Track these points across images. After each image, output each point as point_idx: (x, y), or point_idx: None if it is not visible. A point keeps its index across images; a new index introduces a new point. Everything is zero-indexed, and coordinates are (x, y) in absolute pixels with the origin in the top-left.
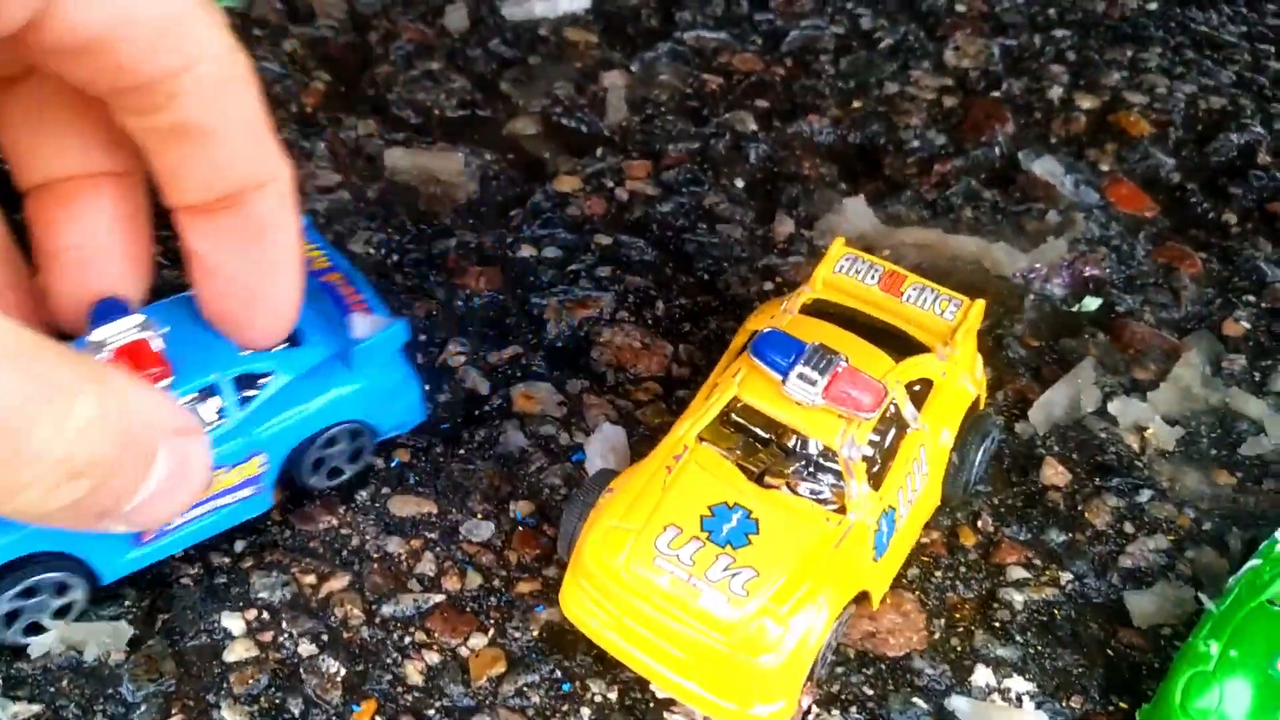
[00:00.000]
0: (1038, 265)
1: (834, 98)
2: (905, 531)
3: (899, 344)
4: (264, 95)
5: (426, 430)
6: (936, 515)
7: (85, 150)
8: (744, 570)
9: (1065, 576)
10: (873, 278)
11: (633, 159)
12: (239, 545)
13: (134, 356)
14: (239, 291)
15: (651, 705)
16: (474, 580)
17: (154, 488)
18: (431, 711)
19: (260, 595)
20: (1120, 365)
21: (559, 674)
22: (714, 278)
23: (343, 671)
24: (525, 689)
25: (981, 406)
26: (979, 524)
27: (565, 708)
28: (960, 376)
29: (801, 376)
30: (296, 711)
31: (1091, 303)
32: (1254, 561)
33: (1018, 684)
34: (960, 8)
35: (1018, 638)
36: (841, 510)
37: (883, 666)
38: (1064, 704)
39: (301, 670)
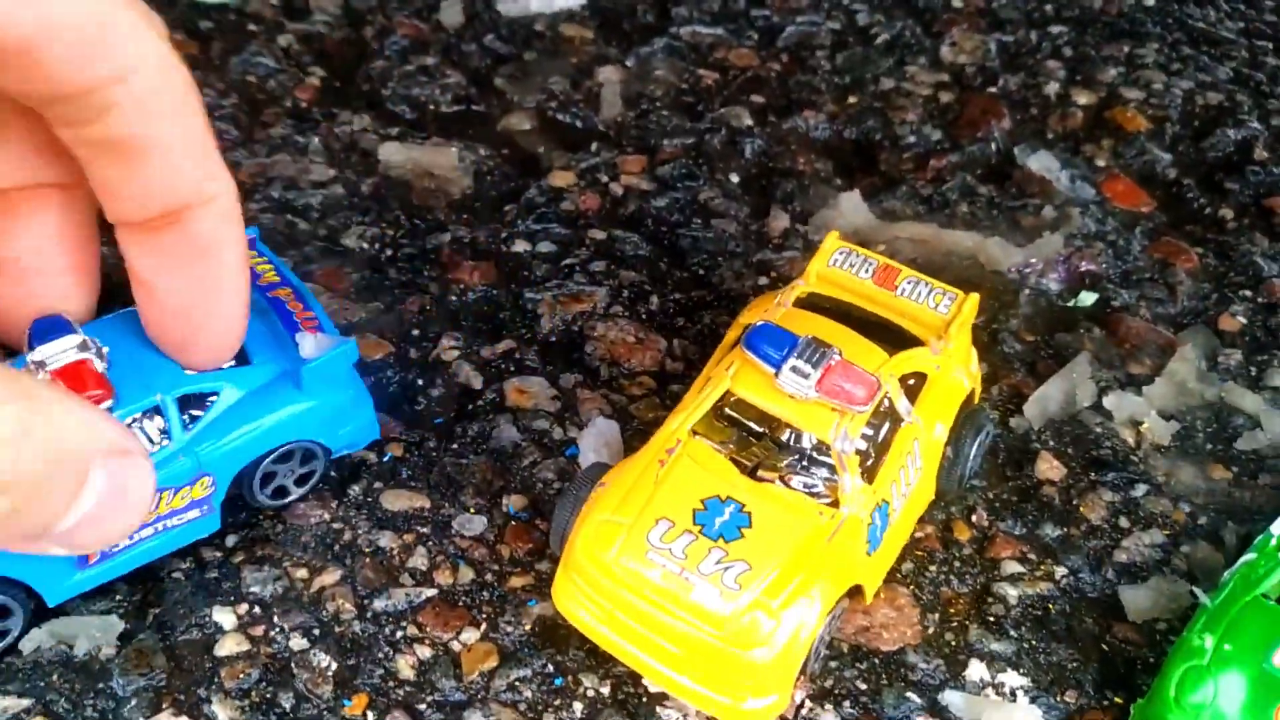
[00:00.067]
0: (1033, 260)
1: (830, 93)
2: (899, 526)
3: (893, 337)
4: (259, 90)
5: (419, 425)
6: (931, 509)
7: (27, 161)
8: (736, 564)
9: (1060, 571)
10: (867, 271)
11: (628, 154)
12: (230, 539)
13: (74, 377)
14: (181, 311)
15: (644, 700)
16: (466, 575)
17: (88, 509)
18: (423, 706)
19: (252, 589)
20: (1116, 360)
21: (551, 668)
22: (708, 273)
23: (334, 666)
24: (517, 683)
25: (976, 400)
26: (973, 518)
27: (557, 702)
28: (954, 370)
29: (794, 370)
30: (287, 706)
31: (1087, 298)
32: (1249, 556)
33: (1012, 679)
34: (957, 3)
35: (1012, 632)
36: (835, 504)
37: (876, 661)
38: (1058, 699)
39: (293, 664)
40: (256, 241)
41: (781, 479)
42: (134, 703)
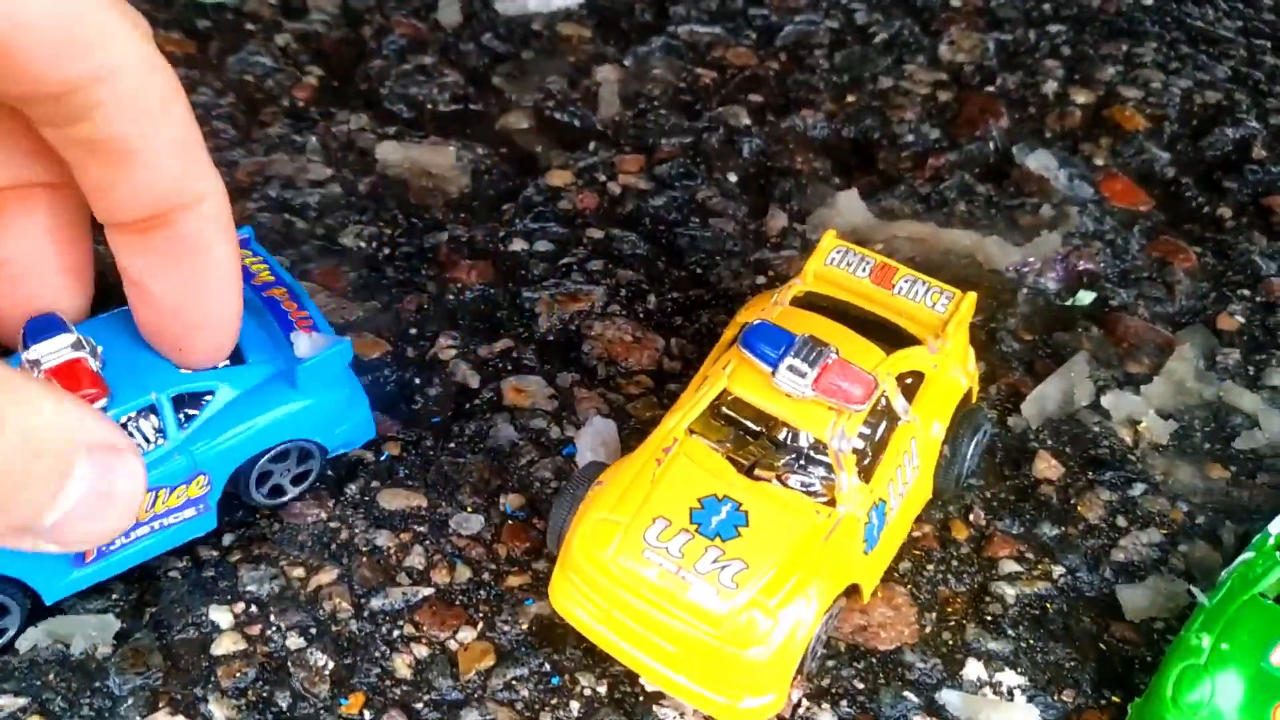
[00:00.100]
0: (1031, 259)
1: (828, 92)
2: (896, 524)
3: (890, 336)
4: (256, 89)
5: (417, 424)
6: (928, 508)
7: (13, 160)
8: (733, 562)
9: (1057, 570)
10: (864, 270)
11: (625, 153)
12: (227, 538)
13: (68, 376)
14: (173, 311)
15: (641, 699)
16: (463, 574)
17: (74, 504)
18: (420, 705)
19: (248, 588)
20: (1114, 359)
21: (548, 667)
22: (706, 272)
23: (331, 665)
24: (514, 682)
25: (974, 399)
26: (971, 517)
27: (554, 701)
28: (952, 369)
29: (791, 368)
30: (284, 705)
31: (1085, 297)
32: (1246, 555)
33: (1009, 678)
34: (955, 2)
35: (1009, 631)
36: (831, 503)
37: (873, 660)
38: (1056, 698)
39: (289, 663)
40: (251, 240)
41: (778, 478)
42: (130, 702)
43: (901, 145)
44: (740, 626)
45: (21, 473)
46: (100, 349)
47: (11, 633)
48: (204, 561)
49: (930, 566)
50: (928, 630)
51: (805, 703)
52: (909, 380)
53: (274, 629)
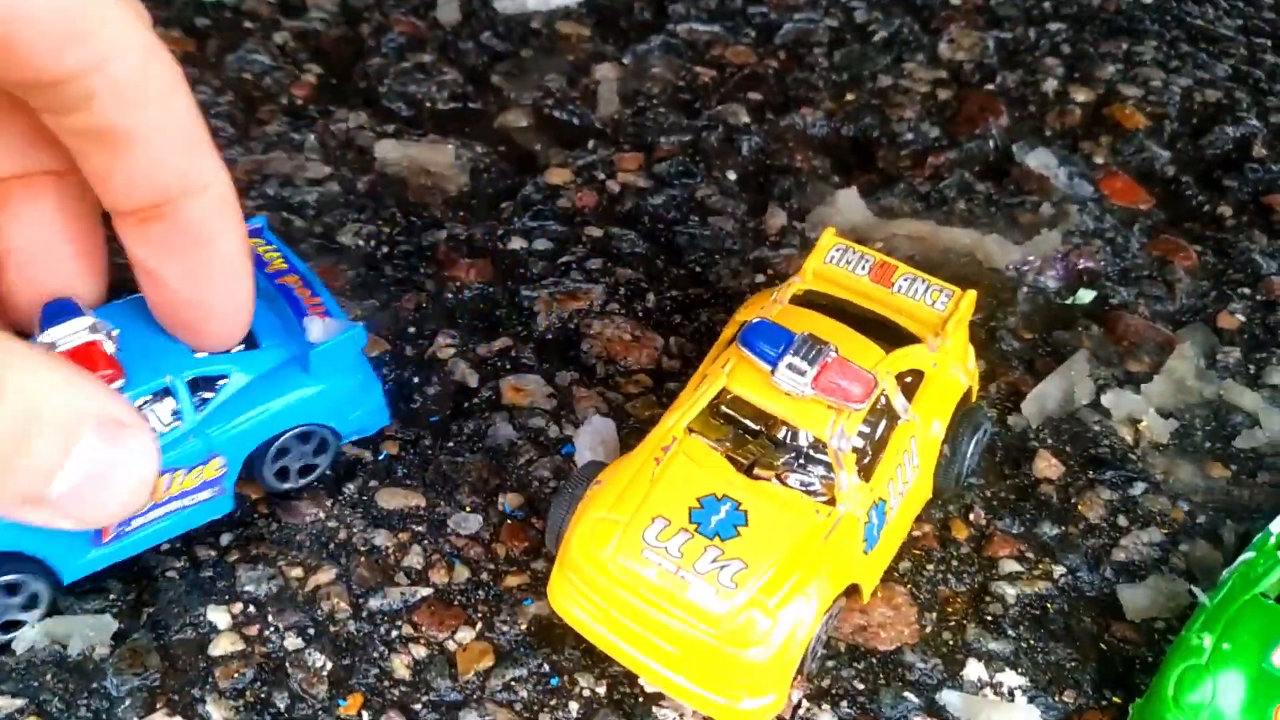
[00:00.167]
0: (1031, 258)
1: (827, 90)
2: (896, 524)
3: (890, 335)
4: (255, 87)
5: (415, 423)
6: (928, 508)
7: (18, 149)
8: (733, 562)
9: (1058, 570)
10: (863, 268)
11: (624, 151)
12: (225, 538)
13: (84, 358)
14: (184, 298)
15: (640, 699)
16: (462, 573)
17: (83, 476)
18: (419, 705)
19: (246, 588)
20: (1114, 358)
21: (547, 668)
22: (705, 270)
23: (329, 665)
24: (513, 683)
25: (974, 398)
26: (971, 517)
27: (553, 702)
28: (951, 367)
29: (790, 367)
30: (282, 705)
31: (1085, 295)
32: (1247, 554)
33: (1010, 678)
34: (955, 1)
35: (1010, 631)
36: (831, 502)
37: (874, 660)
38: (1056, 698)
39: (287, 664)
40: (264, 230)
41: (778, 477)
42: (128, 703)
43: (901, 143)
44: (740, 627)
45: (23, 439)
46: (116, 332)
47: (40, 612)
48: (202, 561)
49: (930, 566)
50: (928, 630)
51: (805, 703)
52: (909, 379)
53: (272, 629)
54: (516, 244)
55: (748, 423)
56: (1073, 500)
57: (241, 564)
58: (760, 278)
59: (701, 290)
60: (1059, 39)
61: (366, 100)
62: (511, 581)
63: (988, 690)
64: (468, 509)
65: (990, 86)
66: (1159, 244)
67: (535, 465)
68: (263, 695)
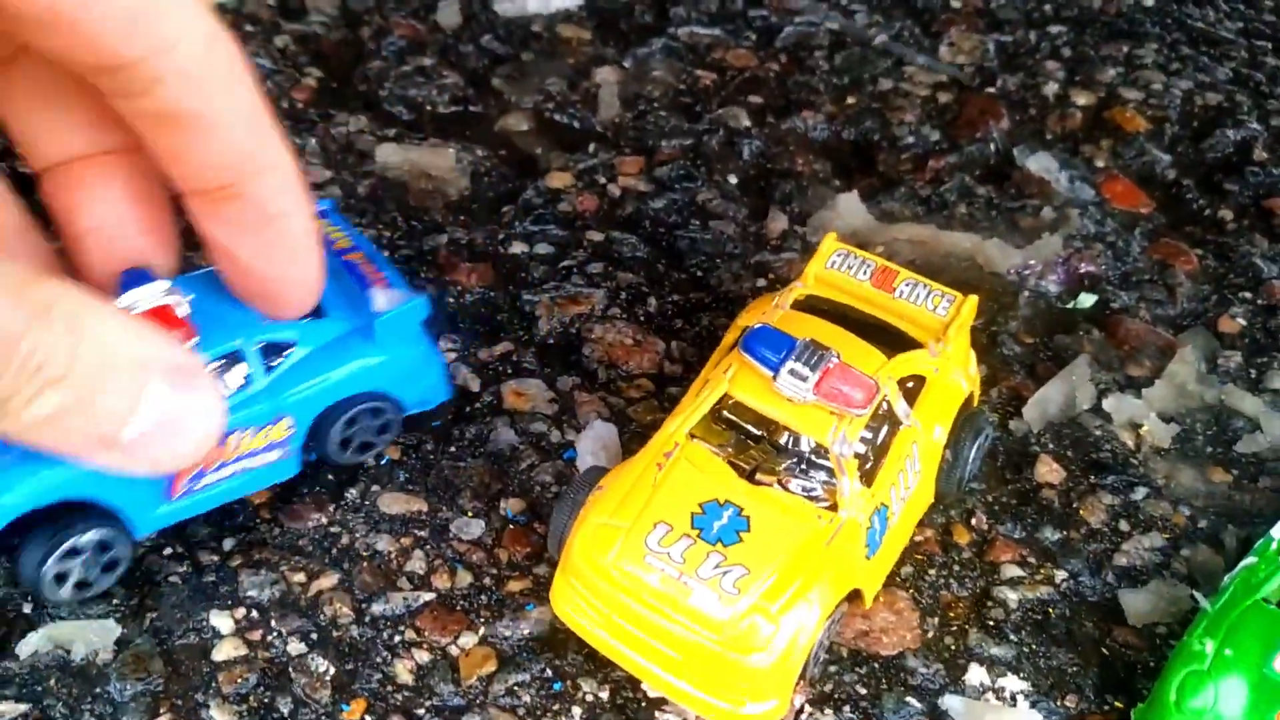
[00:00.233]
0: (1032, 262)
1: (828, 94)
2: (898, 529)
3: (891, 340)
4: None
5: (416, 427)
6: (930, 513)
7: (90, 129)
8: (735, 568)
9: (1060, 575)
10: (865, 273)
11: (625, 155)
12: (228, 543)
13: (159, 320)
14: (257, 273)
15: (643, 704)
16: (464, 578)
17: (152, 421)
18: (421, 711)
19: (249, 594)
20: (1115, 362)
21: (550, 673)
22: (706, 274)
23: (332, 670)
24: (516, 688)
25: (975, 403)
26: (973, 522)
27: (556, 707)
28: (953, 372)
29: (792, 373)
30: (285, 711)
31: (1086, 299)
32: (1249, 559)
33: (1012, 683)
34: (955, 3)
35: (1012, 636)
36: (833, 508)
37: (876, 665)
38: (1059, 703)
39: (290, 669)
40: (331, 212)
41: (780, 482)
42: (132, 708)
43: (902, 147)
44: (742, 632)
45: (100, 380)
46: (189, 299)
47: (122, 568)
48: (204, 566)
49: (932, 571)
50: (930, 635)
51: (808, 708)
52: (910, 384)
53: (275, 634)
54: (518, 248)
55: (750, 428)
56: (1074, 505)
57: (244, 569)
58: (761, 282)
59: (703, 294)
60: (1059, 42)
61: (367, 104)
62: (514, 586)
63: (990, 695)
64: (470, 514)
65: (991, 90)
66: (1160, 248)
67: (537, 470)
68: (266, 700)
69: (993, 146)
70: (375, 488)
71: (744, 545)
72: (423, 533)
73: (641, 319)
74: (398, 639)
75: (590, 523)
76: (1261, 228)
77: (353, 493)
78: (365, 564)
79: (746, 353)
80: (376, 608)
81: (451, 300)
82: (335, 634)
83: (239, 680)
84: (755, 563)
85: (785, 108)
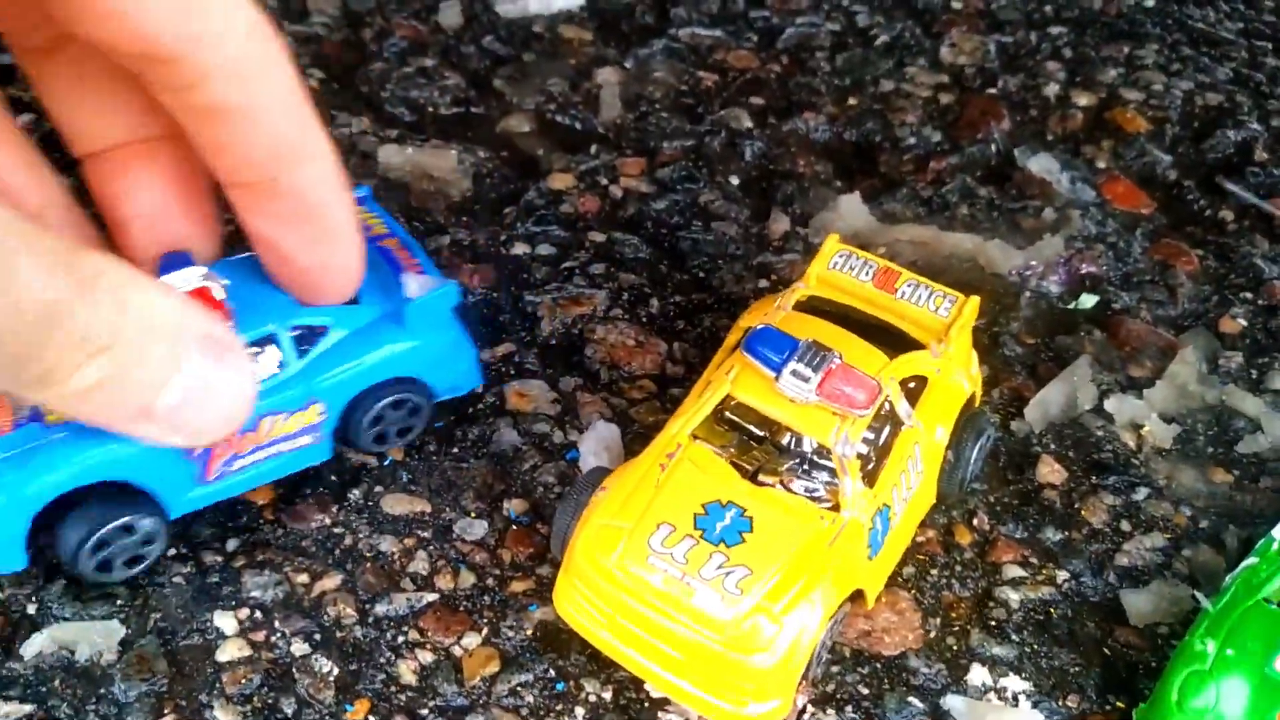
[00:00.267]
0: (1034, 262)
1: (830, 95)
2: (900, 529)
3: (893, 341)
4: None
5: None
6: (932, 513)
7: (132, 116)
8: (738, 568)
9: (1061, 575)
10: (867, 274)
11: (627, 156)
12: (231, 544)
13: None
14: (299, 263)
15: (646, 705)
16: (467, 579)
17: (187, 390)
18: (425, 711)
19: (252, 594)
20: (1117, 363)
21: (553, 673)
22: (708, 275)
23: (336, 671)
24: (519, 688)
25: (977, 404)
26: (975, 522)
27: (559, 707)
28: (955, 373)
29: (795, 373)
30: (289, 711)
31: (1088, 300)
32: (1251, 560)
33: (1014, 683)
34: (956, 4)
35: (1014, 636)
36: (836, 508)
37: (878, 665)
38: (1060, 703)
39: (294, 670)
40: (368, 199)
41: (782, 483)
42: (136, 708)
43: (903, 148)
44: (745, 632)
45: (140, 350)
46: (226, 283)
47: (156, 553)
48: (208, 567)
49: (934, 571)
50: (932, 635)
51: (810, 708)
52: (912, 385)
53: (278, 635)
54: (520, 249)
55: (752, 429)
56: (1076, 505)
57: (247, 569)
58: (763, 283)
59: (705, 295)
60: (1060, 43)
61: (369, 105)
62: (517, 587)
63: (991, 695)
64: (473, 514)
65: (992, 91)
66: (1161, 248)
67: (540, 471)
68: (270, 700)
69: (994, 147)
70: (378, 488)
71: (747, 546)
72: (426, 533)
73: (644, 320)
74: (401, 639)
75: (593, 523)
76: (1262, 228)
77: (356, 493)
78: (369, 564)
79: (749, 354)
80: (380, 608)
81: None
82: (339, 635)
83: (243, 681)
84: (758, 563)
85: (787, 109)
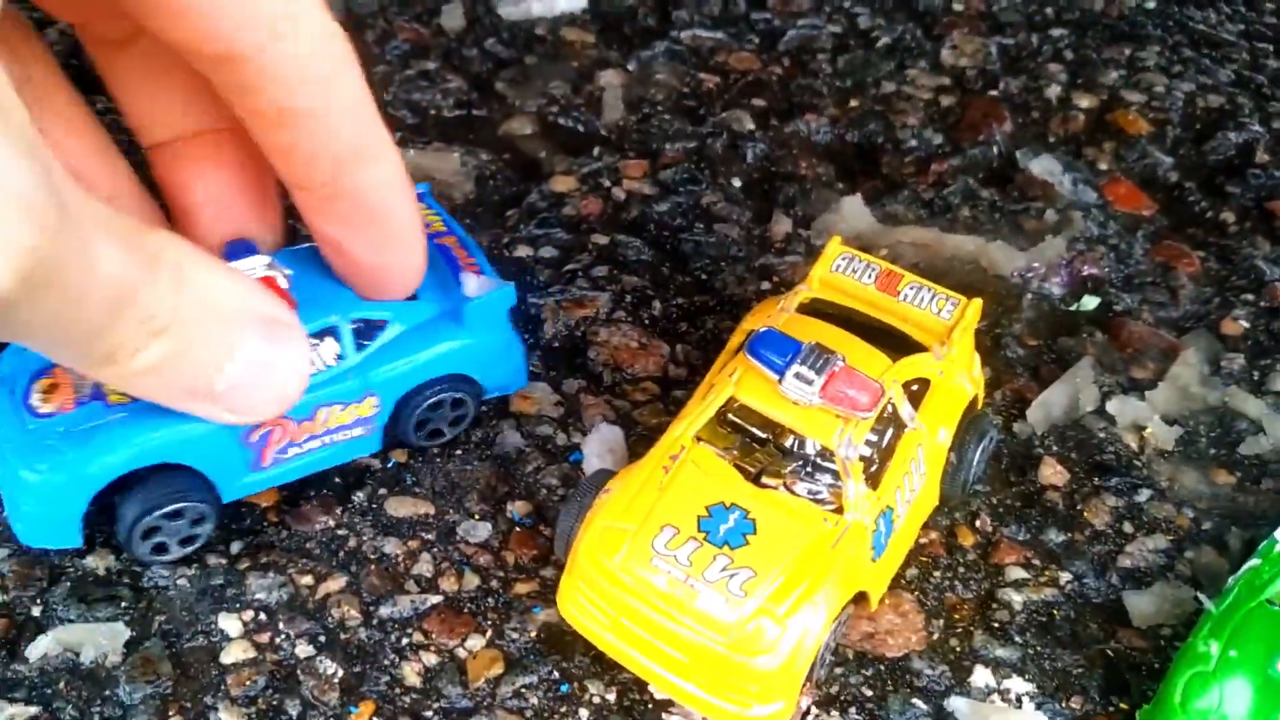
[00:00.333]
0: (1036, 264)
1: (831, 97)
2: (903, 531)
3: (896, 343)
4: None
5: None
6: (935, 515)
7: (200, 108)
8: (741, 571)
9: (1064, 576)
10: (869, 277)
11: (629, 158)
12: (235, 546)
13: None
14: (364, 264)
15: (650, 706)
16: (471, 581)
17: (244, 369)
18: (429, 713)
19: (257, 596)
20: (1118, 364)
21: (557, 675)
22: (711, 277)
23: (340, 673)
24: (523, 690)
25: (979, 406)
26: (977, 524)
27: (563, 709)
28: (957, 375)
29: (798, 376)
30: (294, 713)
31: (1090, 302)
32: (1253, 561)
33: (1017, 684)
34: (958, 6)
35: (1017, 638)
36: (839, 510)
37: (882, 667)
38: (1064, 705)
39: (299, 672)
40: (426, 195)
41: (785, 485)
42: (141, 710)
43: (905, 150)
44: (749, 635)
45: (200, 328)
46: (289, 273)
47: (205, 535)
48: (212, 569)
49: (937, 573)
50: (935, 637)
51: (814, 710)
52: (915, 387)
53: (283, 637)
54: (522, 251)
55: (755, 431)
56: (1078, 507)
57: (252, 572)
58: (766, 285)
59: (707, 298)
60: (1061, 45)
61: None
62: (521, 589)
63: (995, 697)
64: (476, 517)
65: (993, 93)
66: (1162, 250)
67: (543, 473)
68: (274, 702)
69: (995, 149)
70: (382, 490)
71: (750, 548)
72: (430, 535)
73: (646, 322)
74: (405, 641)
75: (597, 525)
76: (1264, 230)
77: (360, 495)
78: (373, 566)
79: (752, 356)
80: (384, 610)
81: None
82: (343, 636)
83: (247, 682)
84: (762, 565)
85: (788, 111)
